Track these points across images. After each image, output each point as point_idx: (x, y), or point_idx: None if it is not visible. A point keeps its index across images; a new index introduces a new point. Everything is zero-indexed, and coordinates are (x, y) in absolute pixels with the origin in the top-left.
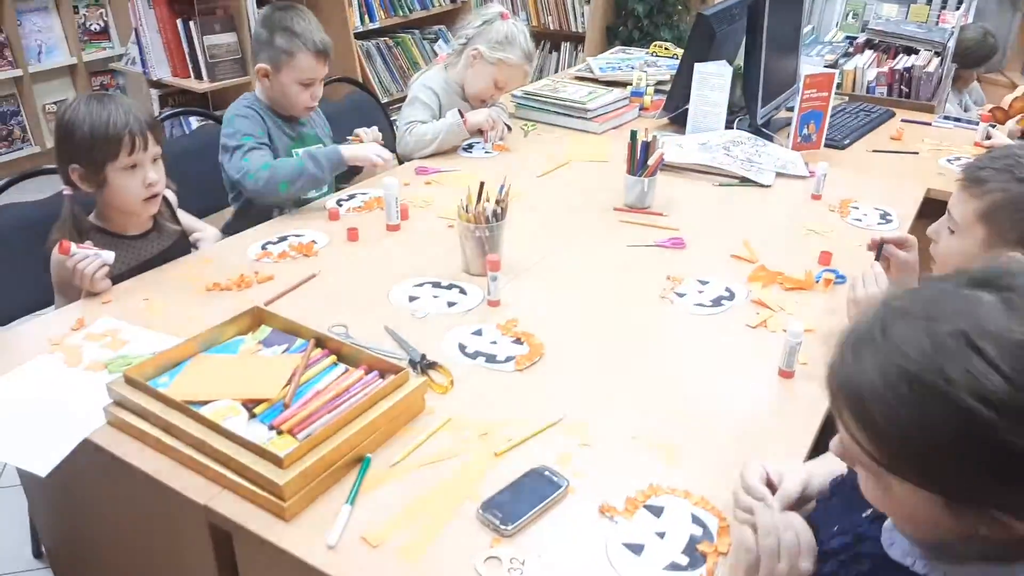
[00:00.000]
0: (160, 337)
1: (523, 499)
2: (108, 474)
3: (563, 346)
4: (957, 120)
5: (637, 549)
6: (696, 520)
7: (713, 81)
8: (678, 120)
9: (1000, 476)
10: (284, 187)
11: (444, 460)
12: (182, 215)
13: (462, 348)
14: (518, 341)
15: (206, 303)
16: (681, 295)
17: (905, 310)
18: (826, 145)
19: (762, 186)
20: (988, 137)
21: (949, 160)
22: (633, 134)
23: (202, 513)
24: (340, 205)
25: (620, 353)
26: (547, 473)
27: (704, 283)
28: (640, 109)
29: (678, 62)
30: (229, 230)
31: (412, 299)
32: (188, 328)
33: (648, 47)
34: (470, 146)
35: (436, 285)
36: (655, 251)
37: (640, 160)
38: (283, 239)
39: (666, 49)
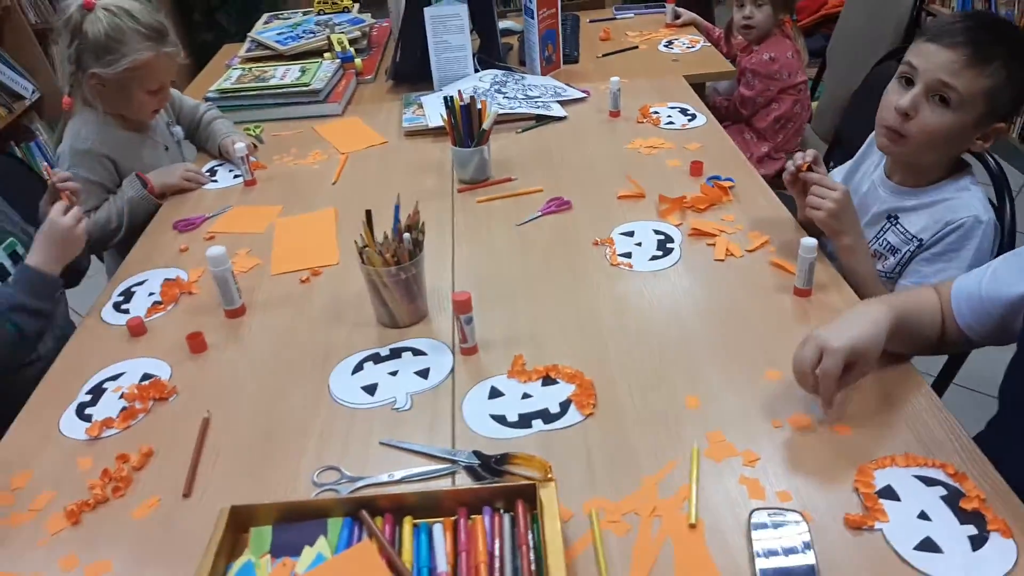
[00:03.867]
0: None
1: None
2: None
3: (595, 364)
4: (637, 8)
5: (932, 547)
6: (932, 482)
7: (450, 23)
8: (411, 77)
9: None
10: None
11: (651, 566)
12: None
13: (502, 420)
14: (550, 380)
15: (109, 547)
16: (627, 255)
17: None
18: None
19: (559, 119)
20: (677, 17)
21: (665, 46)
22: (448, 100)
23: None
24: (126, 312)
25: (649, 344)
26: (771, 515)
27: (628, 235)
28: (357, 76)
29: (356, 14)
30: None
31: (370, 389)
32: None
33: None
34: (213, 171)
35: (378, 359)
36: (548, 221)
37: (465, 128)
38: (99, 391)
39: (333, 4)
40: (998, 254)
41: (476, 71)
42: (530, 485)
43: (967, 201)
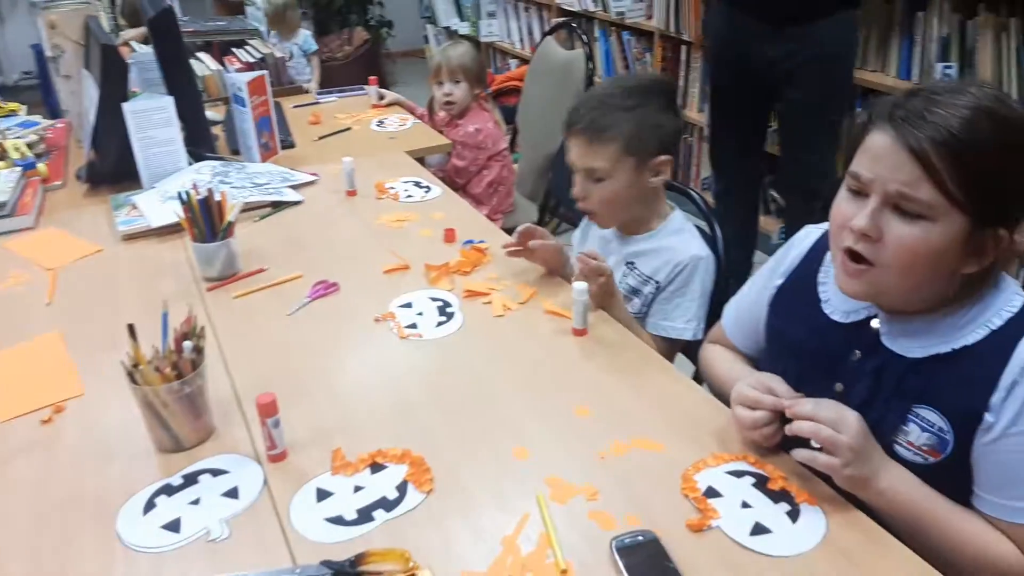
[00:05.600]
0: None
1: None
2: None
3: (418, 439)
4: (340, 92)
5: (763, 530)
6: (741, 474)
7: (154, 117)
8: (112, 177)
9: None
10: None
11: None
12: None
13: (340, 521)
14: (378, 467)
15: None
16: (413, 326)
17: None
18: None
19: (296, 203)
20: (381, 97)
21: (378, 125)
22: (184, 196)
23: None
24: None
25: (463, 407)
26: (628, 541)
27: (407, 306)
28: (43, 183)
29: (25, 116)
30: None
31: (173, 526)
32: None
33: None
34: None
35: (171, 490)
36: (319, 306)
37: (207, 222)
38: None
39: None
40: (717, 272)
41: (190, 164)
42: None
43: (686, 241)
